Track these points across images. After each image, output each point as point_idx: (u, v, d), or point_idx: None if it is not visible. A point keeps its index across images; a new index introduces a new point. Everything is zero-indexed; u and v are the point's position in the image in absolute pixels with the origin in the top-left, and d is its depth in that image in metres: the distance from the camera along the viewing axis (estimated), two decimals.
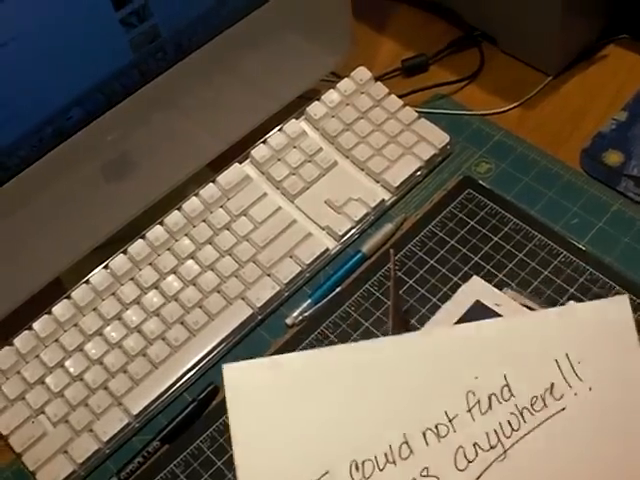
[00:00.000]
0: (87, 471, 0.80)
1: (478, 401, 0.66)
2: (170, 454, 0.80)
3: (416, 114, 0.97)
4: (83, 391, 0.82)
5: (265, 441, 0.66)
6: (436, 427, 0.66)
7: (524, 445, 0.65)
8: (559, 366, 0.67)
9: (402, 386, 0.67)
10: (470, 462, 0.65)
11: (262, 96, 0.94)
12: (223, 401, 0.81)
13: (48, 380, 0.83)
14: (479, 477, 0.64)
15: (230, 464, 0.78)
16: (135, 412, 0.81)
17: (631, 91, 0.98)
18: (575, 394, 0.66)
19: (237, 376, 0.68)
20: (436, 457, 0.65)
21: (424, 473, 0.64)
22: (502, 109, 0.99)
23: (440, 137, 0.95)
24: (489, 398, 0.66)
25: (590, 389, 0.66)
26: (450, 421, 0.66)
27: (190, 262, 0.88)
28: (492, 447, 0.65)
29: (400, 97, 0.98)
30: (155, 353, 0.84)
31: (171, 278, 0.87)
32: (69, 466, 0.79)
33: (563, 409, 0.66)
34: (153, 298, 0.86)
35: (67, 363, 0.84)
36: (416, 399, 0.67)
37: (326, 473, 0.64)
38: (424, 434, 0.65)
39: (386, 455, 0.65)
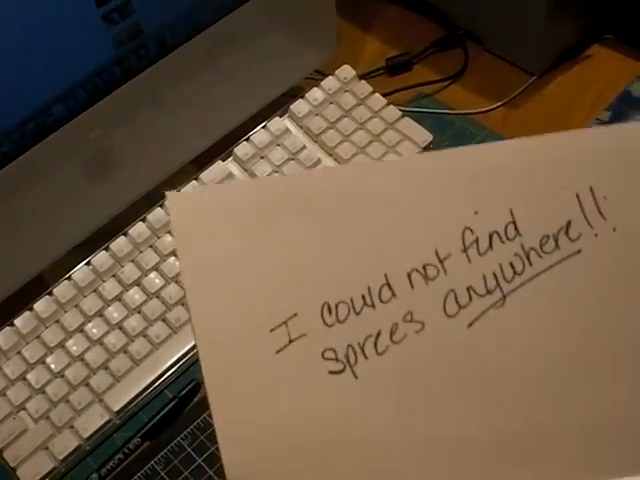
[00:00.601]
0: (68, 467, 0.80)
1: (476, 239, 0.56)
2: (151, 451, 0.80)
3: (400, 113, 0.97)
4: (64, 387, 0.82)
5: (222, 281, 0.56)
6: (424, 268, 0.56)
7: (527, 291, 0.56)
8: (580, 201, 0.56)
9: (384, 219, 0.57)
10: (462, 307, 0.56)
11: (246, 93, 0.94)
12: (204, 398, 0.82)
13: (29, 376, 0.83)
14: (471, 324, 0.56)
15: (211, 461, 0.78)
16: (116, 409, 0.81)
17: (615, 91, 0.98)
18: (595, 235, 0.56)
19: (185, 207, 0.57)
20: (422, 301, 0.56)
21: (407, 318, 0.56)
22: (486, 108, 0.99)
23: (423, 136, 0.95)
24: (490, 237, 0.56)
25: (614, 230, 0.56)
26: (441, 262, 0.56)
27: (172, 259, 0.88)
28: (489, 292, 0.56)
29: (384, 96, 0.98)
30: (136, 350, 0.84)
31: (153, 275, 0.87)
32: (50, 462, 0.79)
33: (579, 251, 0.56)
34: (135, 295, 0.86)
35: (48, 359, 0.83)
36: (401, 235, 0.57)
37: (294, 315, 0.56)
38: (409, 275, 0.56)
39: (363, 297, 0.56)
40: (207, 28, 0.84)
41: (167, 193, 0.56)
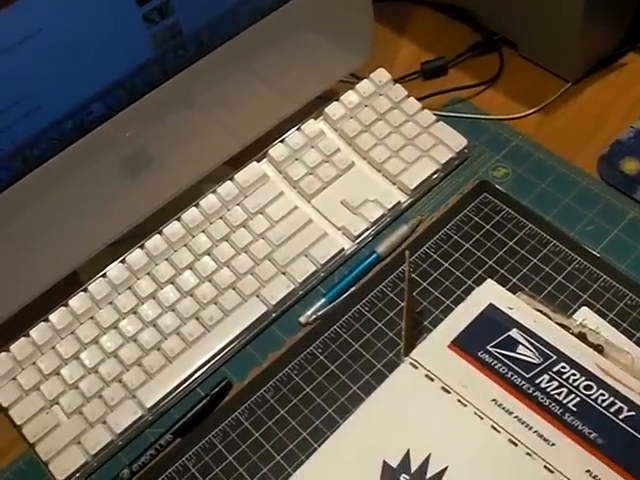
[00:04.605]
0: (99, 462, 0.81)
1: None
2: (182, 447, 0.80)
3: (434, 117, 0.97)
4: (98, 383, 0.83)
5: None
6: None
7: None
8: None
9: None
10: None
11: (281, 95, 0.95)
12: (236, 397, 0.83)
13: (63, 371, 0.84)
14: None
15: (241, 459, 0.79)
16: (148, 405, 0.82)
17: None
18: None
19: None
20: None
21: None
22: (520, 114, 0.99)
23: (458, 141, 0.95)
24: None
25: None
26: None
27: (206, 258, 0.89)
28: None
29: (419, 100, 0.98)
30: (170, 347, 0.84)
31: (187, 274, 0.88)
32: (82, 457, 0.80)
33: None
34: (169, 293, 0.87)
35: (82, 355, 0.84)
36: None
37: None
38: None
39: None
40: (245, 30, 0.84)
41: None
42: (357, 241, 0.91)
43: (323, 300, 0.87)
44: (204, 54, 0.82)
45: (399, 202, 0.92)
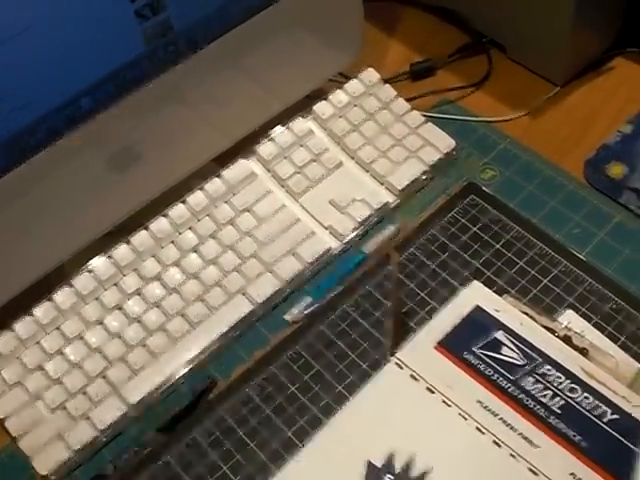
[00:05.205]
0: (83, 458, 0.81)
1: None
2: (166, 444, 0.80)
3: (423, 118, 0.97)
4: (82, 379, 0.83)
5: None
6: None
7: None
8: None
9: None
10: None
11: (270, 93, 0.95)
12: (220, 394, 0.83)
13: (47, 366, 0.83)
14: None
15: (225, 457, 0.79)
16: (133, 401, 0.82)
17: (637, 104, 0.99)
18: None
19: None
20: None
21: None
22: (508, 117, 1.00)
23: (446, 142, 0.95)
24: None
25: None
26: None
27: (193, 255, 0.89)
28: None
29: (408, 101, 0.99)
30: (155, 344, 0.84)
31: (173, 270, 0.88)
32: (65, 452, 0.80)
33: None
34: (155, 289, 0.87)
35: (67, 350, 0.84)
36: None
37: None
38: None
39: None
40: (235, 28, 0.84)
41: None
42: (344, 240, 0.91)
43: (309, 299, 0.87)
44: (194, 51, 0.82)
45: (387, 202, 0.92)
